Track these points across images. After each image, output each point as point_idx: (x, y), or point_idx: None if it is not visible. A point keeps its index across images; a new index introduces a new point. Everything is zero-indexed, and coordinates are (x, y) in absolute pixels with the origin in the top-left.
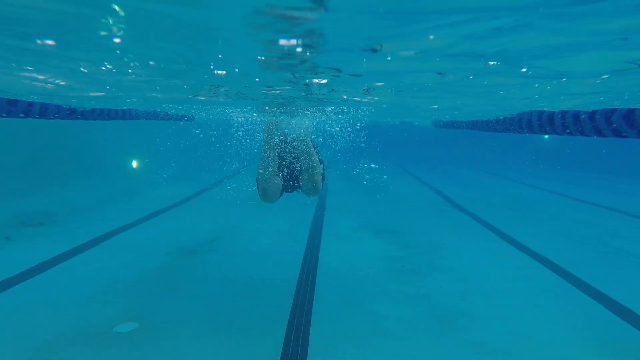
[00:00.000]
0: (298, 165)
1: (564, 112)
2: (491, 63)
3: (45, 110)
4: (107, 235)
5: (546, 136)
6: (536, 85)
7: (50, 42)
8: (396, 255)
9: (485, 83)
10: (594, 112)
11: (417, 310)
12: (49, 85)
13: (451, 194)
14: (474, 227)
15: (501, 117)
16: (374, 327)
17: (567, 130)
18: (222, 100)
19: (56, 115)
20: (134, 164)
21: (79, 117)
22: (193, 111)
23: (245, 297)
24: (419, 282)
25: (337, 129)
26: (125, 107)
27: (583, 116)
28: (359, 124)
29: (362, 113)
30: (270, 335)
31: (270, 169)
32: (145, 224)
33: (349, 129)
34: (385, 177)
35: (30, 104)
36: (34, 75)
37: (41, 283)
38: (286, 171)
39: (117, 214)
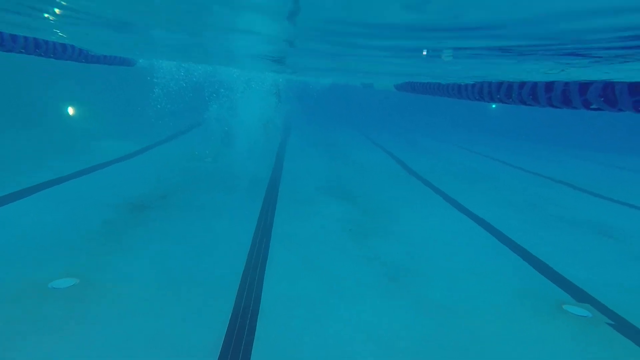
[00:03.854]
0: None
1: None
2: None
3: None
4: (41, 186)
5: (493, 105)
6: None
7: None
8: (353, 219)
9: None
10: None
11: (370, 270)
12: None
13: (408, 161)
14: (426, 193)
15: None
16: (329, 287)
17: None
18: None
19: None
20: (70, 110)
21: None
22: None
23: (199, 255)
24: (372, 244)
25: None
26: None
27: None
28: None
29: None
30: (223, 293)
31: None
32: (87, 177)
33: (309, 92)
34: (343, 141)
35: None
36: None
37: None
38: None
39: (52, 164)
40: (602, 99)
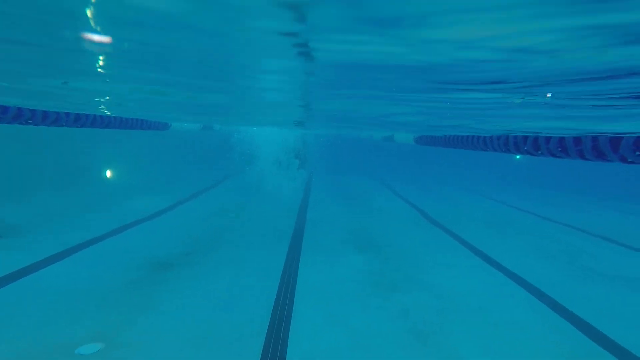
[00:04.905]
0: None
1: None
2: None
3: (20, 115)
4: (75, 248)
5: (518, 156)
6: None
7: None
8: (375, 270)
9: None
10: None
11: (395, 325)
12: None
13: (429, 210)
14: (450, 243)
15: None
16: (352, 342)
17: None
18: None
19: (29, 121)
20: (108, 173)
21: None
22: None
23: (222, 311)
24: (397, 297)
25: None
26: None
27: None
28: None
29: None
30: (247, 352)
31: None
32: (117, 236)
33: (328, 143)
34: (365, 191)
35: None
36: None
37: None
38: None
39: (87, 225)
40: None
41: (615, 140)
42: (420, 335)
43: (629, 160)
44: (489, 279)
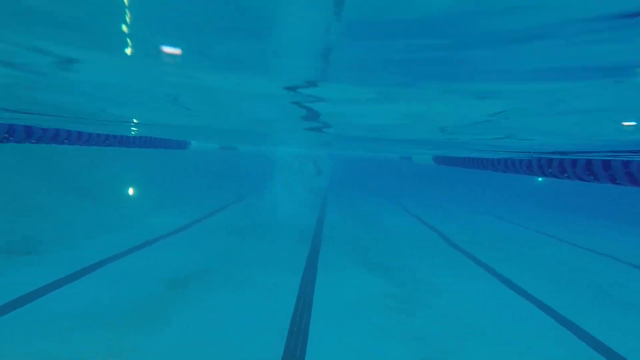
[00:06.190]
0: None
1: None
2: None
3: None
4: (95, 266)
5: (540, 179)
6: None
7: None
8: (391, 293)
9: None
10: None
11: (412, 352)
12: None
13: (446, 232)
14: (468, 265)
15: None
16: None
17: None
18: None
19: (65, 141)
20: (130, 191)
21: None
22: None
23: (237, 332)
24: (413, 321)
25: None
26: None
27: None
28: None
29: None
30: None
31: None
32: (136, 254)
33: (344, 163)
34: (380, 212)
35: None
36: None
37: (16, 318)
38: None
39: (107, 243)
40: None
41: None
42: None
43: None
44: (509, 304)
